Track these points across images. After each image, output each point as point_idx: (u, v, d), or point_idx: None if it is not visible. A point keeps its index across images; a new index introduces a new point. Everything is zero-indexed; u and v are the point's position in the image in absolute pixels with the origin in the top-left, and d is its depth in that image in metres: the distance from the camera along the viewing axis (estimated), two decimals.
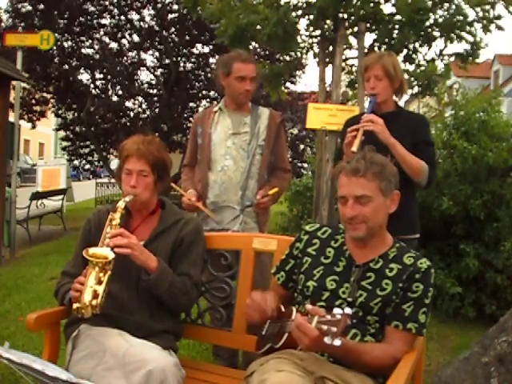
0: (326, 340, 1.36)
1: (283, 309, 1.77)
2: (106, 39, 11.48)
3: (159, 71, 11.93)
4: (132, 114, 11.86)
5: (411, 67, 5.17)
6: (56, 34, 9.64)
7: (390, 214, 1.75)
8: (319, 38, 5.03)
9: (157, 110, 11.58)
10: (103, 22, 11.29)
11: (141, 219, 2.07)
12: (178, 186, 2.86)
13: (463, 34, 4.86)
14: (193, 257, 2.02)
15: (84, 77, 11.85)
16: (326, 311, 1.44)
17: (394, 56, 2.53)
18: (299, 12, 4.85)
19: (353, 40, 4.98)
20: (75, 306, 1.74)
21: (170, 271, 1.91)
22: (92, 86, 11.62)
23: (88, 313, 1.73)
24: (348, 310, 1.41)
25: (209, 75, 11.28)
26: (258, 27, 4.71)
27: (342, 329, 1.37)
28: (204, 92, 11.96)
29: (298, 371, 1.55)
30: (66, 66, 11.04)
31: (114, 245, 1.80)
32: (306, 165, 11.88)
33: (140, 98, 11.88)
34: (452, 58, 5.25)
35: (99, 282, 1.75)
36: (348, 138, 2.32)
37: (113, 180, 13.78)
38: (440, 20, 4.78)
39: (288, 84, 11.41)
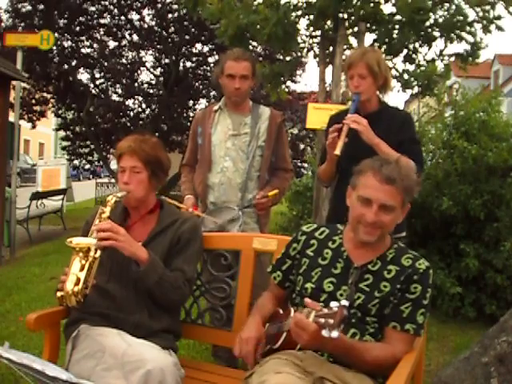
0: (324, 333, 1.35)
1: (281, 311, 1.77)
2: (106, 39, 11.49)
3: (159, 71, 11.95)
4: (132, 113, 11.87)
5: (411, 67, 5.18)
6: (56, 34, 9.66)
7: None
8: (319, 37, 5.03)
9: (156, 110, 11.58)
10: (103, 21, 11.31)
11: (138, 217, 2.06)
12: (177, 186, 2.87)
13: (463, 34, 4.86)
14: (188, 254, 2.01)
15: (84, 77, 11.91)
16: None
17: (378, 52, 2.47)
18: (299, 12, 4.85)
19: (353, 40, 4.99)
20: (59, 294, 1.74)
21: (161, 265, 1.90)
22: (92, 85, 11.64)
23: (72, 301, 1.73)
24: (344, 302, 1.39)
25: (208, 74, 11.30)
26: (258, 27, 4.71)
27: (339, 320, 1.36)
28: (204, 91, 11.97)
29: (296, 372, 1.55)
30: (66, 66, 11.05)
31: (98, 237, 1.80)
32: (306, 165, 11.89)
33: (140, 98, 11.89)
34: (452, 58, 5.26)
35: (81, 269, 1.75)
36: (329, 139, 2.27)
37: (113, 180, 13.79)
38: (440, 20, 4.79)
39: (289, 83, 11.45)
